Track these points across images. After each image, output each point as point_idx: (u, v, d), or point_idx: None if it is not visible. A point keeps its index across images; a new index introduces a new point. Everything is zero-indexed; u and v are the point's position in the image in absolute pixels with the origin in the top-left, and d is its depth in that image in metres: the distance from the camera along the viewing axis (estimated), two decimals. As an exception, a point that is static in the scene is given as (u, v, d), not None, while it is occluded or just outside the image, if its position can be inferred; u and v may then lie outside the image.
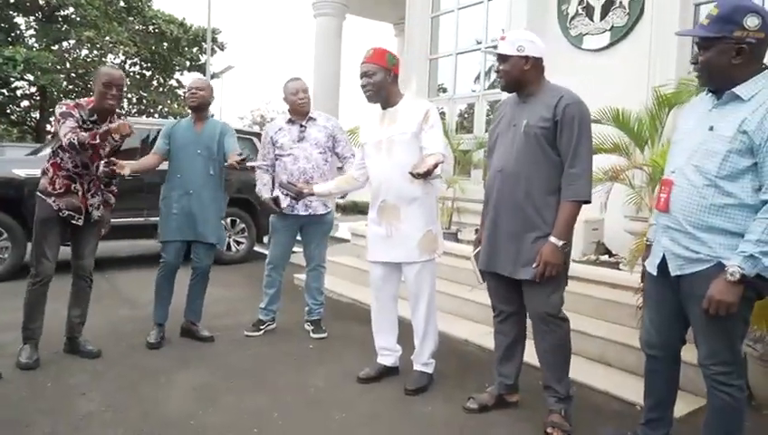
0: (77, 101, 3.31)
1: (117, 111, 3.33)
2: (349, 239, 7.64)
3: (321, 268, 4.05)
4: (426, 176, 2.51)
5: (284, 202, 3.75)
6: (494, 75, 7.11)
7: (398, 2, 10.58)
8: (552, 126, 2.37)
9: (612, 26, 5.55)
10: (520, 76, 2.43)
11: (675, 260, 1.98)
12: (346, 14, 10.97)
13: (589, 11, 5.78)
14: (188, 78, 23.43)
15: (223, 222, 4.03)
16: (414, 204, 2.85)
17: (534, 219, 2.41)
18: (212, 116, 3.90)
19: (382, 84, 2.87)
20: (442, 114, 7.63)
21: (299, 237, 4.02)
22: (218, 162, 3.73)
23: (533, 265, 2.37)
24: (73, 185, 3.22)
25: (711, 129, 1.90)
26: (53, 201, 3.19)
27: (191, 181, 3.64)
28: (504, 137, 2.53)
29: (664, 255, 2.02)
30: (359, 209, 19.69)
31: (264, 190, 3.87)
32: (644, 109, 4.44)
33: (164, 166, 3.77)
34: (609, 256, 4.77)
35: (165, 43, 20.50)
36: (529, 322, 2.61)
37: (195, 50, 21.53)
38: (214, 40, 20.53)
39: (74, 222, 3.25)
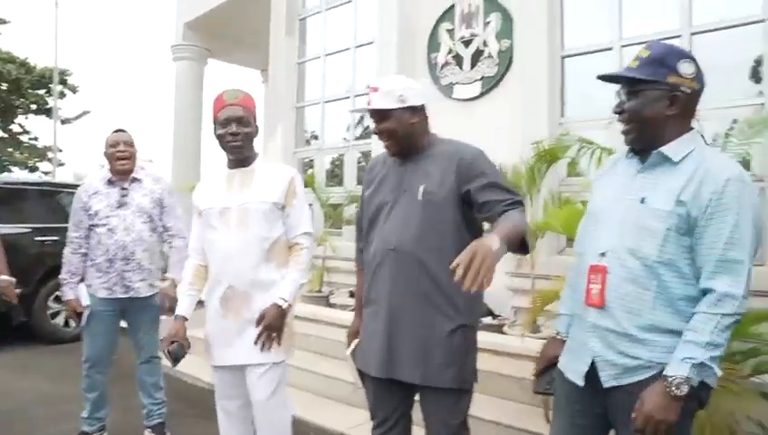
0: None
1: None
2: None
3: (154, 360, 3.30)
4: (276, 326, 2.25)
5: (84, 315, 3.09)
6: (365, 124, 6.80)
7: (264, 47, 10.17)
8: (458, 189, 1.89)
9: (483, 76, 5.43)
10: (408, 133, 1.95)
11: (609, 369, 1.57)
12: (208, 58, 10.33)
13: (458, 60, 5.64)
14: (33, 122, 21.23)
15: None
16: (270, 292, 2.28)
17: (445, 309, 1.89)
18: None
19: (251, 137, 2.34)
20: (310, 164, 7.15)
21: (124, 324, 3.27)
22: None
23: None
24: None
25: (643, 201, 1.55)
26: None
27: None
28: (391, 206, 2.00)
29: (593, 361, 1.61)
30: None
31: (67, 287, 3.10)
32: (520, 161, 4.26)
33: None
34: (493, 318, 4.46)
35: (3, 84, 18.34)
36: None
37: (41, 92, 19.52)
38: (63, 82, 18.79)
39: None
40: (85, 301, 3.06)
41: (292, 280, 2.31)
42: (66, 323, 6.29)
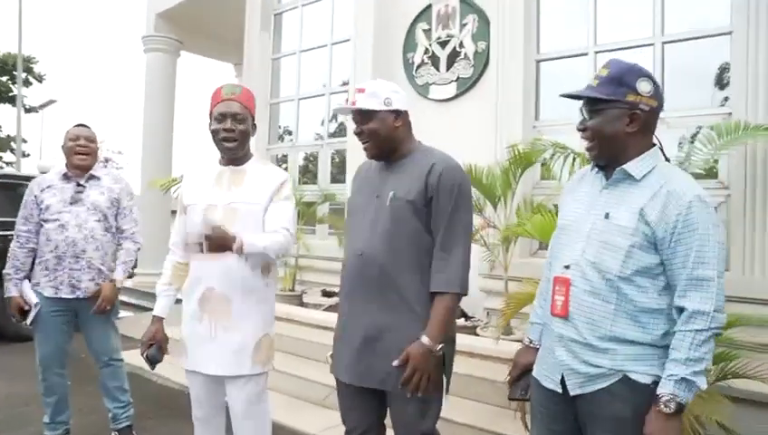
0: None
1: None
2: (180, 299, 6.74)
3: (115, 363, 3.19)
4: (216, 243, 2.02)
5: (31, 314, 2.94)
6: (339, 122, 6.76)
7: (238, 41, 10.02)
8: (424, 199, 1.89)
9: (458, 77, 5.44)
10: (391, 136, 1.94)
11: (575, 377, 1.61)
12: (181, 51, 10.13)
13: (434, 61, 5.64)
14: (-3, 111, 20.60)
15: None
16: (251, 298, 2.19)
17: (407, 316, 1.88)
18: None
19: (247, 135, 2.25)
20: (284, 160, 7.09)
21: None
22: None
23: (395, 364, 1.82)
24: None
25: (607, 216, 1.60)
26: None
27: None
28: (364, 211, 1.99)
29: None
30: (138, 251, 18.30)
31: (12, 283, 2.97)
32: (495, 163, 4.29)
33: None
34: (466, 320, 4.49)
35: (-36, 71, 17.78)
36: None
37: (4, 79, 18.92)
38: (29, 70, 18.23)
39: None
40: (32, 298, 2.94)
41: (261, 245, 2.10)
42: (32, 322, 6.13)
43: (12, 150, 19.03)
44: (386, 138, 1.94)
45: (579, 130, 1.69)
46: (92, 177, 3.07)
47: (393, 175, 1.96)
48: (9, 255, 2.99)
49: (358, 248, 1.95)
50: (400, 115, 1.95)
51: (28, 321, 2.95)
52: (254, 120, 2.29)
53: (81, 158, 3.02)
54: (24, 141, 18.57)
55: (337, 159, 6.65)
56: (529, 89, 4.82)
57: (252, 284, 2.19)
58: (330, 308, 4.98)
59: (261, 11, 7.12)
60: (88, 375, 3.62)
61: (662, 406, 1.46)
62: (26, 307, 2.93)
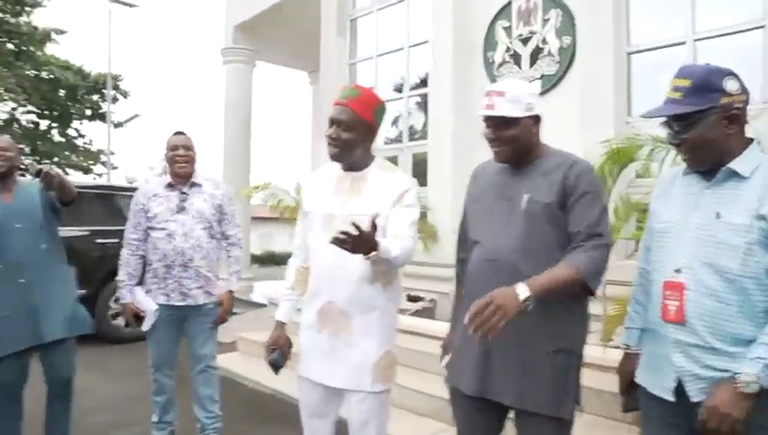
0: None
1: None
2: (264, 304, 6.87)
3: (210, 370, 3.19)
4: (363, 246, 1.73)
5: (149, 320, 3.02)
6: (416, 124, 6.70)
7: (313, 49, 10.19)
8: (562, 202, 1.78)
9: (542, 75, 5.27)
10: (528, 142, 1.83)
11: (697, 383, 1.54)
12: (257, 60, 10.43)
13: (516, 59, 5.49)
14: (88, 126, 21.92)
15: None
16: (372, 315, 2.05)
17: (543, 328, 1.76)
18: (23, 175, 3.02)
19: (357, 143, 2.03)
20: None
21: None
22: (50, 231, 2.87)
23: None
24: None
25: (718, 216, 1.54)
26: None
27: (18, 266, 2.72)
28: (493, 215, 1.88)
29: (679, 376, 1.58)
30: (276, 260, 18.59)
31: (126, 290, 3.06)
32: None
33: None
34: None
35: (61, 91, 18.97)
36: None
37: (95, 97, 20.09)
38: (116, 87, 19.27)
39: None
40: (151, 305, 3.02)
41: (393, 247, 1.88)
42: (127, 324, 6.42)
43: (102, 163, 20.19)
44: (523, 144, 1.83)
45: (673, 144, 1.64)
46: (194, 184, 3.11)
47: (526, 178, 1.85)
48: (121, 262, 3.08)
49: (490, 254, 1.84)
50: (539, 120, 1.85)
51: (145, 327, 3.02)
52: (371, 127, 2.06)
53: (181, 166, 3.06)
54: (113, 154, 19.65)
55: (418, 163, 6.57)
56: (620, 83, 4.60)
57: (373, 300, 2.06)
58: (416, 313, 4.93)
59: (336, 16, 7.19)
60: (186, 378, 3.72)
61: (742, 385, 1.43)
62: (141, 313, 3.02)
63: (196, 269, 3.03)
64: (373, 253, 1.79)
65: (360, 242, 1.74)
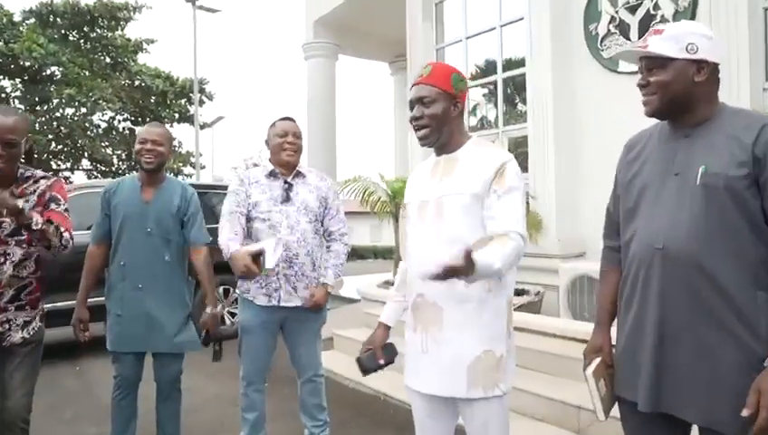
0: None
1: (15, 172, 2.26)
2: (357, 299, 6.73)
3: (317, 379, 2.95)
4: (445, 276, 1.52)
5: (272, 260, 2.43)
6: (513, 107, 6.33)
7: (394, 39, 9.99)
8: (751, 175, 1.42)
9: (655, 44, 4.76)
10: (687, 93, 1.51)
11: None
12: (339, 54, 10.35)
13: (623, 29, 5.01)
14: (177, 130, 22.86)
15: (217, 293, 2.99)
16: (466, 307, 1.80)
17: (735, 329, 1.42)
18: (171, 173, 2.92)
19: (444, 118, 1.87)
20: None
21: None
22: (177, 244, 2.76)
23: (744, 413, 1.34)
24: None
25: None
26: None
27: (139, 271, 2.69)
28: (657, 193, 1.55)
29: None
30: (358, 254, 18.71)
31: (231, 243, 2.59)
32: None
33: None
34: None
35: (152, 97, 19.88)
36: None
37: (183, 101, 20.91)
38: (202, 90, 19.96)
39: None
40: (261, 243, 2.50)
41: (480, 251, 1.63)
42: (222, 321, 6.50)
43: (191, 164, 20.99)
44: (678, 94, 1.50)
45: None
46: (299, 174, 2.86)
47: (696, 145, 1.51)
48: (222, 224, 2.72)
49: (656, 241, 1.51)
50: (705, 68, 1.50)
51: (270, 264, 2.42)
52: (453, 97, 1.89)
53: (290, 154, 2.80)
54: (201, 155, 20.38)
55: (514, 147, 6.20)
56: (756, 45, 4.04)
57: (465, 291, 1.79)
58: (521, 308, 4.58)
59: (422, 1, 6.91)
60: (279, 386, 3.60)
61: None
62: (255, 251, 2.42)
63: (301, 266, 2.77)
64: (471, 276, 1.57)
65: (451, 274, 1.54)
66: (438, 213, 1.85)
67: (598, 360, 1.70)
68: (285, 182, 2.82)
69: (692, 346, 1.45)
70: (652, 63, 1.53)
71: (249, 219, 2.79)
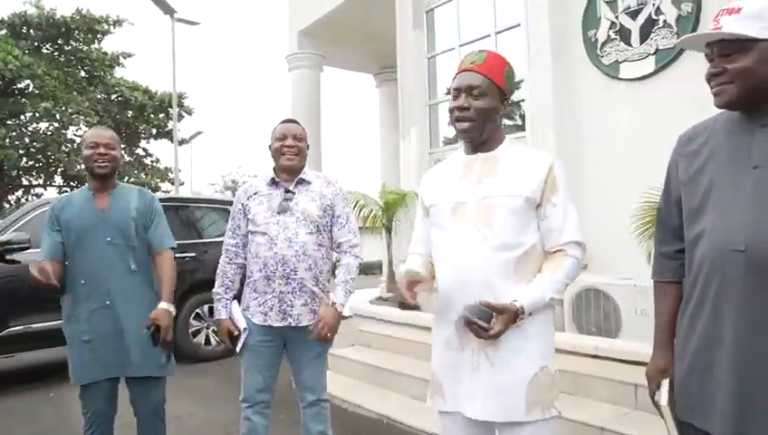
0: None
1: None
2: (350, 316, 6.48)
3: (321, 404, 2.67)
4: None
5: (240, 340, 2.56)
6: (510, 115, 6.17)
7: (380, 51, 9.85)
8: None
9: (657, 49, 4.65)
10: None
11: None
12: (323, 65, 10.17)
13: (623, 34, 4.89)
14: (155, 146, 22.44)
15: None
16: (523, 326, 1.67)
17: None
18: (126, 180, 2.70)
19: (491, 114, 1.75)
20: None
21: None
22: (141, 251, 2.57)
23: None
24: None
25: None
26: None
27: (104, 286, 2.46)
28: (732, 188, 1.35)
29: None
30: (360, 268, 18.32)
31: (221, 304, 2.62)
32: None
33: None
34: None
35: (129, 111, 19.47)
36: None
37: (161, 116, 20.55)
38: (180, 105, 19.63)
39: None
40: (241, 323, 2.57)
41: (540, 288, 1.68)
42: (207, 342, 6.18)
43: (170, 180, 20.56)
44: (763, 81, 1.30)
45: None
46: (302, 181, 2.63)
47: None
48: (218, 272, 2.65)
49: (735, 242, 1.31)
50: None
51: (237, 348, 2.56)
52: (504, 93, 1.78)
53: (289, 158, 2.59)
54: (179, 171, 19.97)
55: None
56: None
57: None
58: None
59: (412, 9, 6.77)
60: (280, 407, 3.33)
61: None
62: (236, 332, 2.54)
63: (300, 282, 2.51)
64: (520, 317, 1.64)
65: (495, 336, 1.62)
66: (483, 216, 1.70)
67: (667, 384, 1.49)
68: (286, 191, 2.59)
69: None
70: (728, 48, 1.31)
71: (250, 232, 2.59)
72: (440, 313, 1.81)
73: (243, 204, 2.63)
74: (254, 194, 2.62)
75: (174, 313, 2.51)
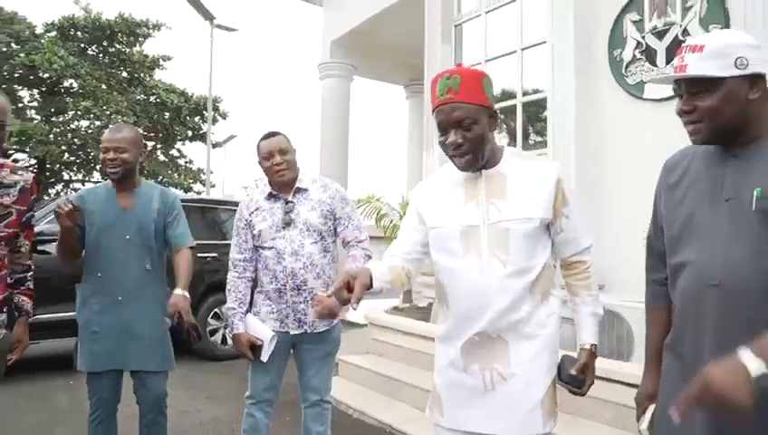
0: None
1: None
2: (364, 324, 6.52)
3: (324, 404, 2.73)
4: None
5: (268, 349, 2.58)
6: (532, 132, 6.17)
7: (410, 63, 9.95)
8: None
9: (683, 71, 4.60)
10: (740, 115, 1.31)
11: None
12: (354, 75, 10.31)
13: (649, 55, 4.86)
14: (189, 148, 22.94)
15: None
16: (535, 341, 1.66)
17: None
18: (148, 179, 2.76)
19: (486, 136, 1.67)
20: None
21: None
22: (158, 251, 2.65)
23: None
24: None
25: None
26: None
27: (118, 283, 2.54)
28: (706, 221, 1.36)
29: None
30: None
31: (236, 318, 2.64)
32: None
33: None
34: None
35: (166, 113, 19.97)
36: None
37: (196, 119, 21.01)
38: (215, 108, 20.03)
39: None
40: (267, 332, 2.58)
41: (592, 315, 1.77)
42: (224, 341, 6.30)
43: (202, 182, 20.97)
44: (731, 118, 1.31)
45: None
46: (299, 190, 2.67)
47: (747, 165, 1.32)
48: (229, 287, 2.68)
49: (709, 276, 1.32)
50: (759, 82, 1.31)
51: (264, 357, 2.57)
52: (489, 108, 1.68)
53: (281, 174, 2.63)
54: (212, 173, 20.36)
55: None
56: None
57: (530, 318, 1.67)
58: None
59: (441, 23, 6.83)
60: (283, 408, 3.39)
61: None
62: (258, 342, 2.58)
63: (311, 291, 2.58)
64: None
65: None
66: (498, 241, 1.66)
67: (652, 409, 1.50)
68: (286, 202, 2.65)
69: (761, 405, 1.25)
70: (695, 86, 1.32)
71: (259, 248, 2.66)
72: (449, 333, 1.77)
73: (246, 220, 2.68)
74: (256, 210, 2.68)
75: (190, 299, 2.53)
